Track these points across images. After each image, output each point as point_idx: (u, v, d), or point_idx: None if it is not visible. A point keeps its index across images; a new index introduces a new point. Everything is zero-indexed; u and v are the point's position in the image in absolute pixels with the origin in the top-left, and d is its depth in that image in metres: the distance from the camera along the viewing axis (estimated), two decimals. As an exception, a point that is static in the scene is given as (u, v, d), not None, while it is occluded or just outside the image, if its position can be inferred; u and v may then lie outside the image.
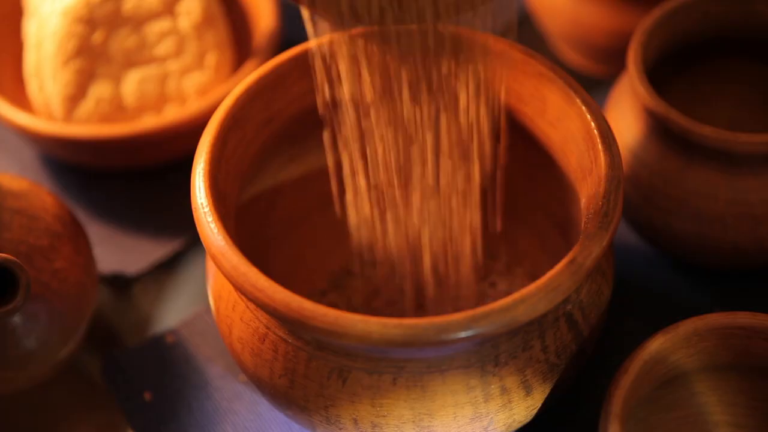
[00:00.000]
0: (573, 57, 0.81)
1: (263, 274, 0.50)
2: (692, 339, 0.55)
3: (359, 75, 0.52)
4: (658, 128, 0.62)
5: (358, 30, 0.51)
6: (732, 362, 0.57)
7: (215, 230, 0.52)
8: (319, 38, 0.52)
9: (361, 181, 0.56)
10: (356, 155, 0.55)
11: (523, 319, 0.49)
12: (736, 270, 0.67)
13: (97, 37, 0.74)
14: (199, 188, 0.54)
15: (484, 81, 0.52)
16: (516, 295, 0.49)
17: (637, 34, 0.65)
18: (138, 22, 0.74)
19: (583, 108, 0.56)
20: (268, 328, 0.53)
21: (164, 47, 0.75)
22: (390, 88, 0.52)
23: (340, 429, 0.54)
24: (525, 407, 0.54)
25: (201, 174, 0.54)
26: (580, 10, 0.77)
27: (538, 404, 0.54)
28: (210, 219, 0.53)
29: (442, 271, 0.59)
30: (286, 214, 0.66)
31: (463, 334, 0.48)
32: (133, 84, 0.74)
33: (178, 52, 0.75)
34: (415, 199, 0.55)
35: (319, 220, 0.67)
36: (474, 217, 0.57)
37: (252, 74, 0.59)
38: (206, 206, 0.53)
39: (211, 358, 0.66)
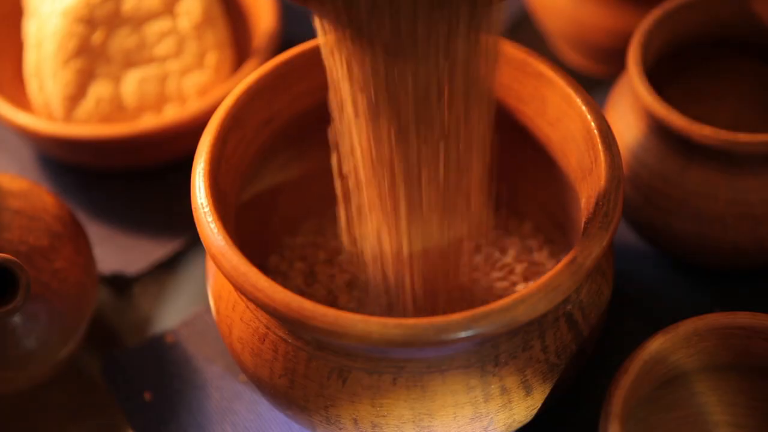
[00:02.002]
0: (573, 57, 0.81)
1: (263, 274, 0.50)
2: (692, 339, 0.55)
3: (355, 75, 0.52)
4: (658, 128, 0.62)
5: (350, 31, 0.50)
6: (732, 362, 0.57)
7: (215, 230, 0.52)
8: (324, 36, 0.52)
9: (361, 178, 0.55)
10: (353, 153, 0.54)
11: (523, 319, 0.49)
12: (736, 270, 0.67)
13: (97, 37, 0.74)
14: (199, 188, 0.54)
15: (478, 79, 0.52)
16: (516, 295, 0.49)
17: (637, 34, 0.65)
18: (138, 22, 0.74)
19: (583, 108, 0.56)
20: (268, 328, 0.53)
21: (164, 47, 0.75)
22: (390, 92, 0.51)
23: (340, 429, 0.54)
24: (525, 407, 0.54)
25: (201, 174, 0.54)
26: (580, 10, 0.77)
27: (538, 404, 0.54)
28: (210, 219, 0.53)
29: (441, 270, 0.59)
30: (286, 214, 0.66)
31: (463, 334, 0.48)
32: (133, 84, 0.74)
33: (178, 52, 0.75)
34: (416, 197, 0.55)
35: (319, 220, 0.67)
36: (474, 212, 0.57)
37: (252, 74, 0.59)
38: (206, 206, 0.53)
39: (211, 358, 0.66)
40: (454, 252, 0.57)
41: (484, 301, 0.61)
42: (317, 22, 0.51)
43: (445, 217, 0.55)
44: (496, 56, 0.51)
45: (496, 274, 0.64)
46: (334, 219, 0.65)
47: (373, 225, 0.56)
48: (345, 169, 0.55)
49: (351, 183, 0.56)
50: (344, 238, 0.58)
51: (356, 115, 0.53)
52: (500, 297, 0.61)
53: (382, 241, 0.56)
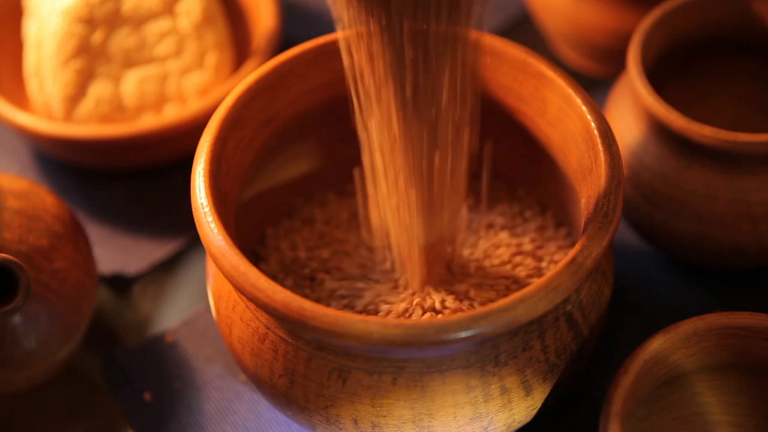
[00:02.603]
0: (573, 57, 0.81)
1: (263, 274, 0.50)
2: (692, 339, 0.55)
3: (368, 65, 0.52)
4: (658, 128, 0.62)
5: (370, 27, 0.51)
6: (732, 362, 0.57)
7: (215, 230, 0.52)
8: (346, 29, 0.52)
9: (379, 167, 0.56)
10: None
11: (523, 319, 0.49)
12: (736, 270, 0.67)
13: (97, 37, 0.74)
14: (199, 188, 0.54)
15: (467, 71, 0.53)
16: (516, 295, 0.49)
17: (637, 34, 0.65)
18: (138, 22, 0.74)
19: (583, 108, 0.56)
20: (268, 328, 0.53)
21: (164, 47, 0.75)
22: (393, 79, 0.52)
23: (340, 429, 0.54)
24: (525, 407, 0.54)
25: (201, 174, 0.54)
26: (580, 10, 0.77)
27: (538, 404, 0.55)
28: (210, 219, 0.53)
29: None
30: (286, 213, 0.66)
31: (463, 334, 0.48)
32: (133, 84, 0.74)
33: (178, 52, 0.75)
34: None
35: (319, 218, 0.67)
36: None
37: (252, 74, 0.59)
38: (206, 206, 0.53)
39: (211, 358, 0.66)
40: (447, 239, 0.58)
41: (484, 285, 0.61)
42: (341, 15, 0.51)
43: (438, 212, 0.56)
44: (476, 49, 0.52)
45: (495, 262, 0.64)
46: (333, 217, 0.65)
47: (389, 213, 0.57)
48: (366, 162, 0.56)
49: (369, 176, 0.57)
50: (363, 221, 0.60)
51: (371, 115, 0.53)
52: (500, 284, 0.61)
53: (396, 228, 0.57)
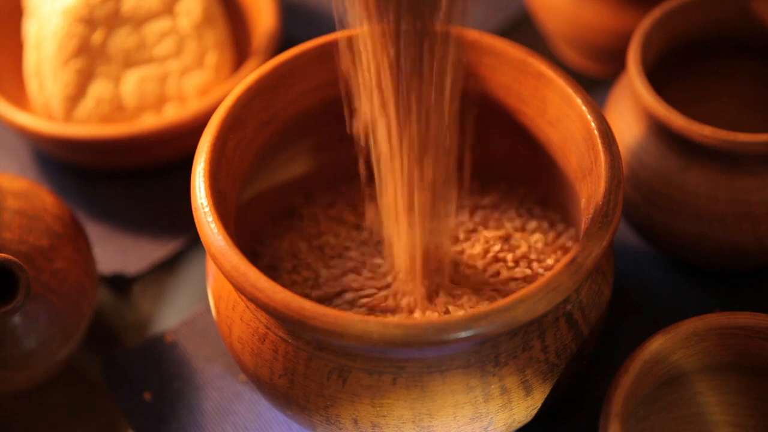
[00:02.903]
0: (573, 57, 0.81)
1: (263, 274, 0.50)
2: (692, 339, 0.55)
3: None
4: (658, 128, 0.62)
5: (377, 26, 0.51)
6: (732, 362, 0.57)
7: (215, 230, 0.52)
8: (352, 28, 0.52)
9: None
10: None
11: (523, 319, 0.49)
12: (736, 270, 0.67)
13: (97, 37, 0.74)
14: (199, 188, 0.54)
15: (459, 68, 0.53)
16: (516, 295, 0.49)
17: (637, 34, 0.65)
18: (138, 22, 0.74)
19: (583, 108, 0.56)
20: (268, 328, 0.53)
21: (164, 47, 0.75)
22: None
23: (340, 429, 0.54)
24: (525, 407, 0.54)
25: (201, 174, 0.54)
26: (580, 10, 0.77)
27: (538, 404, 0.55)
28: (210, 219, 0.53)
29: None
30: (285, 213, 0.66)
31: (463, 335, 0.48)
32: (132, 84, 0.74)
33: (178, 51, 0.75)
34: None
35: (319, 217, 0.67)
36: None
37: (252, 74, 0.59)
38: (206, 206, 0.53)
39: (211, 358, 0.66)
40: (445, 245, 0.58)
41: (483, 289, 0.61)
42: (348, 12, 0.51)
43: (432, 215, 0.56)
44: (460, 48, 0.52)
45: (494, 264, 0.64)
46: (332, 217, 0.65)
47: (389, 216, 0.57)
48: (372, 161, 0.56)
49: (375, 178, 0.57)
50: (369, 220, 0.61)
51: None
52: (499, 289, 0.61)
53: (395, 234, 0.57)
